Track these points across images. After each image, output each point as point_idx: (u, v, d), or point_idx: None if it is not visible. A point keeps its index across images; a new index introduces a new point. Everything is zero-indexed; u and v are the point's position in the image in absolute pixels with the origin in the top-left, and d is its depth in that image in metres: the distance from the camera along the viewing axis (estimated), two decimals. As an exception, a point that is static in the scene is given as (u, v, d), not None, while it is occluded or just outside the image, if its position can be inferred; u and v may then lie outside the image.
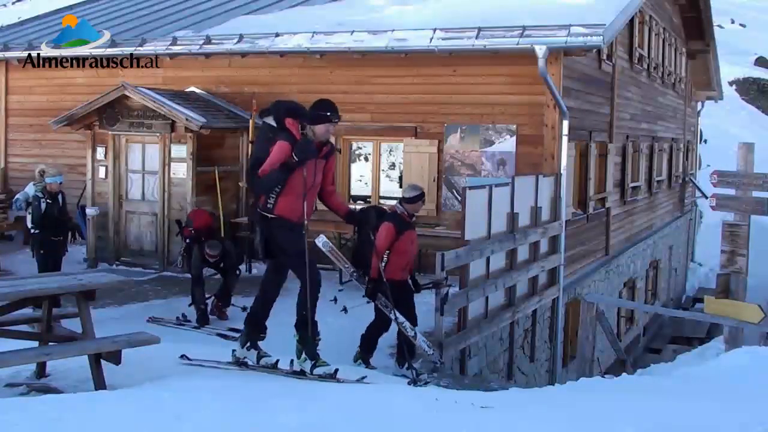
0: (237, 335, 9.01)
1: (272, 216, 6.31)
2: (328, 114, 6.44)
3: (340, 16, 13.09)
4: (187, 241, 10.27)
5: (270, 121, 6.48)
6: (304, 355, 6.47)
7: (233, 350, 6.86)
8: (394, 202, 12.70)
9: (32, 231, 10.77)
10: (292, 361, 6.58)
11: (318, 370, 6.34)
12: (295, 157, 6.16)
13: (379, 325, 8.04)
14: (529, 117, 11.56)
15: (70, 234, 10.95)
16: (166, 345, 6.56)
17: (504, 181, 10.64)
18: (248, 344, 6.67)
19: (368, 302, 7.88)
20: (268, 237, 6.40)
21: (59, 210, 10.85)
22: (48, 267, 10.51)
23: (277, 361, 6.64)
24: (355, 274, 7.72)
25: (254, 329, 6.69)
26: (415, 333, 7.78)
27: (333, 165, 6.72)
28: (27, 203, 11.44)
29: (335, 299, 9.90)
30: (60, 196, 10.94)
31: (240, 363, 6.69)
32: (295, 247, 6.30)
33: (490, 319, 9.52)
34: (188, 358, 6.78)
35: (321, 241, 7.36)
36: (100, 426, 4.26)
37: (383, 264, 7.60)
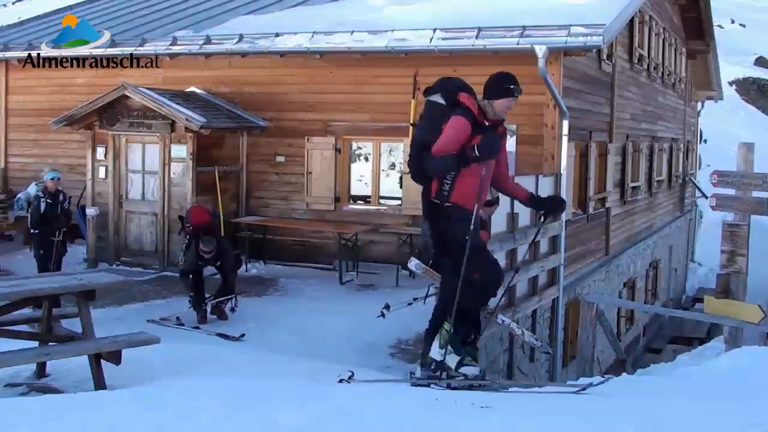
0: (236, 336, 9.03)
1: (447, 204, 5.71)
2: (511, 87, 5.82)
3: (340, 16, 13.09)
4: (188, 237, 10.27)
5: (437, 99, 5.88)
6: (449, 348, 5.79)
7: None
8: (396, 203, 12.77)
9: (32, 231, 10.85)
10: (459, 363, 5.91)
11: (464, 369, 5.77)
12: (477, 153, 5.58)
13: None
14: (529, 117, 11.55)
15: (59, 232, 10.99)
16: (166, 345, 6.56)
17: (504, 181, 10.61)
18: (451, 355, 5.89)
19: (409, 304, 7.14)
20: (444, 229, 5.77)
21: (60, 210, 10.89)
22: (48, 267, 10.52)
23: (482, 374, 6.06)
24: None
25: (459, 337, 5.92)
26: (523, 330, 7.29)
27: (505, 151, 6.14)
28: (28, 203, 11.59)
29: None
30: (61, 196, 11.06)
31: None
32: (474, 240, 5.66)
33: (485, 319, 9.49)
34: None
35: (413, 263, 6.70)
36: (100, 426, 4.26)
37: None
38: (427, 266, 6.68)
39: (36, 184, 11.63)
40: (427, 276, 6.87)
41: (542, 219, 6.36)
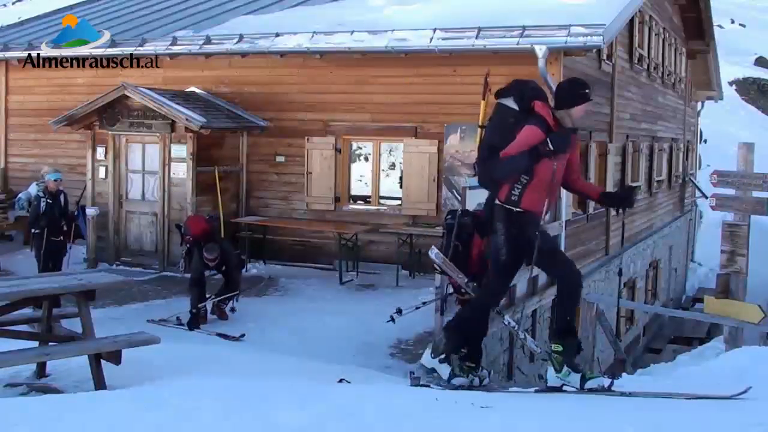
0: (236, 336, 9.03)
1: (518, 210, 5.61)
2: (586, 91, 5.76)
3: (340, 16, 13.09)
4: (189, 246, 10.28)
5: (509, 103, 5.70)
6: (566, 369, 5.53)
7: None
8: (396, 203, 12.77)
9: (32, 231, 10.81)
10: (540, 376, 5.94)
11: (591, 383, 5.48)
12: (551, 146, 5.45)
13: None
14: (529, 117, 11.54)
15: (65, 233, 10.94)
16: (166, 345, 6.57)
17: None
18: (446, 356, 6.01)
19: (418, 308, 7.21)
20: (517, 234, 5.63)
21: (60, 210, 10.82)
22: (48, 267, 10.51)
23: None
24: (470, 285, 6.91)
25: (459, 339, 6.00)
26: (525, 335, 7.34)
27: (578, 152, 6.01)
28: (29, 202, 11.62)
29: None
30: (62, 197, 10.97)
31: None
32: (547, 244, 5.65)
33: (490, 319, 9.49)
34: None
35: (433, 252, 6.78)
36: (100, 426, 4.26)
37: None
38: (446, 258, 6.64)
39: (37, 184, 11.58)
40: (445, 267, 6.83)
41: (618, 212, 6.12)
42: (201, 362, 7.04)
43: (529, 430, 4.25)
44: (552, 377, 5.60)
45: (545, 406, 5.25)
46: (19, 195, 12.53)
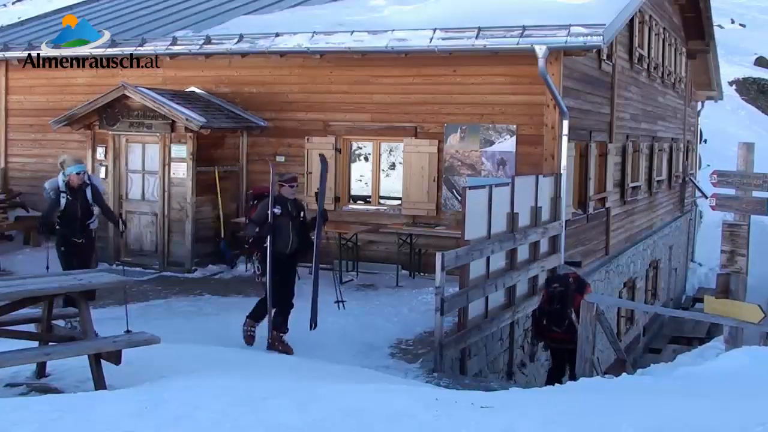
0: None
1: None
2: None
3: (340, 16, 13.09)
4: (253, 202, 8.73)
5: None
6: None
7: None
8: (396, 203, 12.77)
9: (56, 226, 9.32)
10: None
11: None
12: None
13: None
14: (529, 117, 11.57)
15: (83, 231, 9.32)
16: (166, 345, 6.56)
17: (504, 181, 10.65)
18: None
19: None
20: None
21: (83, 208, 9.28)
22: (72, 267, 8.91)
23: None
24: None
25: None
26: None
27: None
28: (56, 192, 9.62)
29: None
30: (88, 191, 9.34)
31: None
32: None
33: (490, 319, 9.52)
34: None
35: None
36: (100, 426, 4.26)
37: None
38: None
39: (63, 174, 9.43)
40: None
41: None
42: (201, 362, 7.05)
43: (529, 430, 4.25)
44: None
45: (545, 405, 5.25)
46: (45, 185, 9.95)
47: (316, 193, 9.27)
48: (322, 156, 9.34)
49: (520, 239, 10.10)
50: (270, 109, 13.19)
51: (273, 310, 8.36)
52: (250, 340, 8.51)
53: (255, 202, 8.64)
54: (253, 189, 9.25)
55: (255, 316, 8.59)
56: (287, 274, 8.40)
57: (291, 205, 8.46)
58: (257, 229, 8.31)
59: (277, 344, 8.33)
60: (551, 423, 4.42)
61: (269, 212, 8.24)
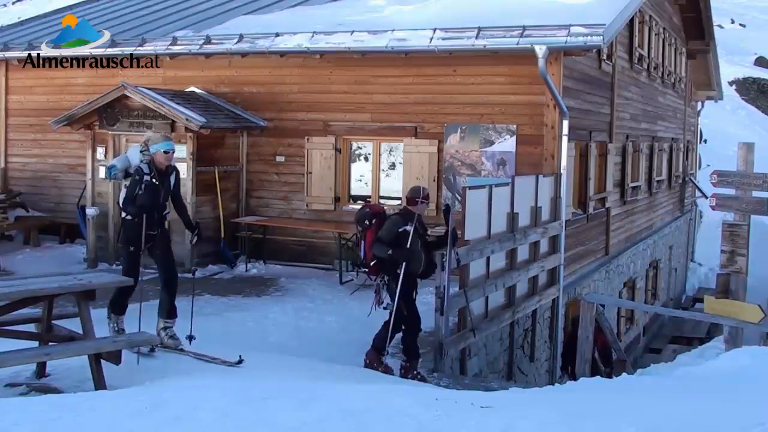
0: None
1: None
2: None
3: (340, 16, 13.09)
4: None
5: None
6: None
7: None
8: (396, 203, 12.76)
9: (123, 216, 7.82)
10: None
11: None
12: None
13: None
14: (529, 117, 11.56)
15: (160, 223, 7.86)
16: (166, 345, 6.56)
17: (504, 181, 10.64)
18: None
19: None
20: None
21: (166, 194, 7.85)
22: (138, 271, 7.70)
23: None
24: None
25: None
26: None
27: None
28: (126, 173, 8.11)
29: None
30: (173, 177, 7.87)
31: None
32: None
33: (490, 319, 9.52)
34: None
35: None
36: (100, 426, 4.26)
37: None
38: None
39: (142, 152, 7.90)
40: None
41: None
42: (201, 362, 7.05)
43: (529, 430, 4.26)
44: None
45: (545, 405, 5.25)
46: (113, 162, 8.36)
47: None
48: (446, 207, 8.52)
49: (520, 239, 10.10)
50: (270, 109, 13.18)
51: (403, 330, 7.93)
52: (388, 371, 7.93)
53: (373, 221, 8.13)
54: (370, 207, 8.63)
55: (379, 347, 8.01)
56: (413, 297, 8.04)
57: (418, 223, 7.97)
58: (390, 251, 7.79)
59: (410, 374, 7.83)
60: (551, 423, 4.42)
61: (400, 231, 7.80)
